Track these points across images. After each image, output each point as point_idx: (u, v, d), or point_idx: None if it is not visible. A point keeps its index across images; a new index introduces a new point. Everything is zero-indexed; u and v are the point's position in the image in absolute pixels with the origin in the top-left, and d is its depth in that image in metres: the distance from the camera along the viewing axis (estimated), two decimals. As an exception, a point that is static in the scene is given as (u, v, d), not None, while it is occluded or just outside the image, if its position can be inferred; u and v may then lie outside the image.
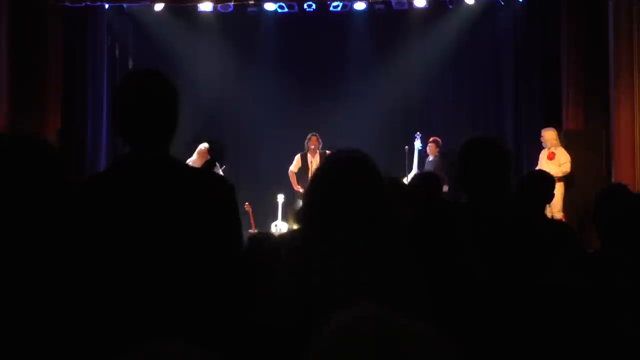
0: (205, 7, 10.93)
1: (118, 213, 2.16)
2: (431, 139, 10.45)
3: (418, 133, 10.64)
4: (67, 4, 10.29)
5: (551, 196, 4.61)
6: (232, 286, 2.22)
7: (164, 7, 11.05)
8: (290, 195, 10.23)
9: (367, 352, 1.03)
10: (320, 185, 2.42)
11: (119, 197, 2.19)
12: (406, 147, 10.59)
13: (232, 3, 10.78)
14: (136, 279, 2.12)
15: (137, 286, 2.12)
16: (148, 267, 2.13)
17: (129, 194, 2.18)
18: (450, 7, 11.24)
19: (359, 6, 11.30)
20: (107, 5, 10.83)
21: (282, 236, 4.96)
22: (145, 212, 2.16)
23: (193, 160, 9.17)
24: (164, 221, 2.16)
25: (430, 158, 10.39)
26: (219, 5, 10.86)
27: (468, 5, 11.13)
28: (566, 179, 9.22)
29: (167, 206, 2.18)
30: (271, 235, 5.49)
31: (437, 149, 10.36)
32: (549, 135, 9.46)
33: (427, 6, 11.11)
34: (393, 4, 11.15)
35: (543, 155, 9.45)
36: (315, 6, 11.10)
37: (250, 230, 9.21)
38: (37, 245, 2.00)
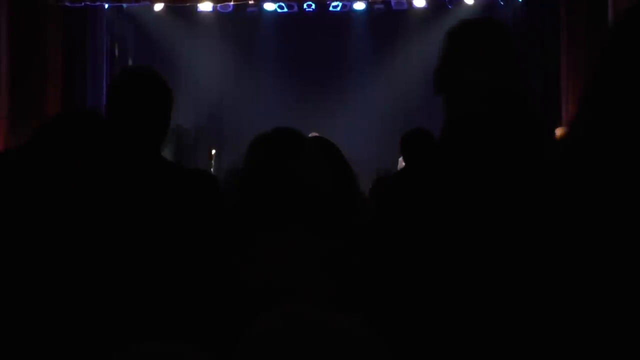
0: (205, 7, 10.93)
1: (105, 208, 2.17)
2: None
3: (418, 133, 10.63)
4: (67, 3, 10.29)
5: None
6: (215, 280, 2.22)
7: (164, 7, 11.06)
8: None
9: (293, 351, 1.01)
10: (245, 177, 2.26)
11: (105, 193, 2.21)
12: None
13: (232, 3, 10.78)
14: (118, 272, 2.13)
15: (121, 279, 2.13)
16: (133, 259, 2.15)
17: (116, 189, 2.21)
18: (450, 7, 11.23)
19: (359, 6, 11.30)
20: (106, 5, 10.83)
21: None
22: (132, 208, 2.18)
23: None
24: (151, 216, 2.20)
25: None
26: (219, 5, 10.86)
27: (468, 5, 11.13)
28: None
29: (153, 201, 2.22)
30: None
31: None
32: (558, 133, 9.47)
33: (427, 6, 11.11)
34: (393, 4, 11.14)
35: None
36: (315, 6, 11.10)
37: None
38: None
